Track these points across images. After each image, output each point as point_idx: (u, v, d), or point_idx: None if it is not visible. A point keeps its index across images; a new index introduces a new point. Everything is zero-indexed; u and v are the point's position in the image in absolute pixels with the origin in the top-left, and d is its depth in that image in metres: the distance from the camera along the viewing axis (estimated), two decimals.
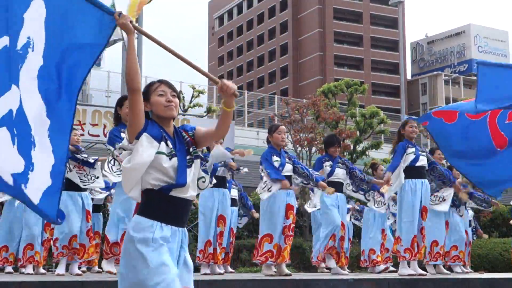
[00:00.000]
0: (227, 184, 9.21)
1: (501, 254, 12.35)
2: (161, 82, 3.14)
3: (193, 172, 3.00)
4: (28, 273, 7.88)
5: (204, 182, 3.09)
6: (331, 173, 7.89)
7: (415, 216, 7.35)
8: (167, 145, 2.96)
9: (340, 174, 7.94)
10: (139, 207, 2.98)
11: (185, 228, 3.05)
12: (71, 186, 7.24)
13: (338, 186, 7.89)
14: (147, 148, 2.90)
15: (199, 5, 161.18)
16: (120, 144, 3.04)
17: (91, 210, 7.55)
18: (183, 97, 21.81)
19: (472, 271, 9.90)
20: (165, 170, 2.91)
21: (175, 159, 2.95)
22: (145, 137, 2.92)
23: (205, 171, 3.11)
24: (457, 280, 6.97)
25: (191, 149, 3.03)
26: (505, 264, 11.82)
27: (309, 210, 8.81)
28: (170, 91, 3.09)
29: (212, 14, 74.31)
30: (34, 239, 7.94)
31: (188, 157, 3.00)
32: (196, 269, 9.16)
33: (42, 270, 8.01)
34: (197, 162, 3.05)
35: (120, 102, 6.31)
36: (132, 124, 2.97)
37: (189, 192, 2.97)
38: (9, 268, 8.38)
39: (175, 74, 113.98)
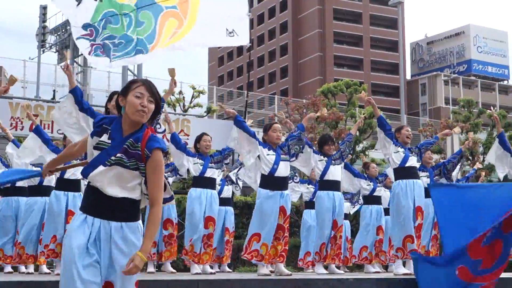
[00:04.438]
0: (220, 184, 9.21)
1: None
2: (143, 83, 3.07)
3: (115, 174, 2.96)
4: (28, 273, 7.88)
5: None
6: (325, 171, 7.89)
7: (406, 216, 7.37)
8: (101, 138, 3.06)
9: (334, 171, 7.94)
10: None
11: (123, 222, 2.97)
12: (60, 185, 7.35)
13: (333, 185, 7.92)
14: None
15: None
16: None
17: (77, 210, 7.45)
18: (183, 97, 21.79)
19: None
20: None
21: (96, 152, 3.03)
22: (90, 138, 3.11)
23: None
24: None
25: (126, 158, 2.98)
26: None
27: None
28: (148, 95, 3.02)
29: None
30: (29, 240, 7.94)
31: (113, 158, 2.97)
32: (187, 269, 9.16)
33: (45, 270, 8.01)
34: (123, 170, 2.98)
35: (110, 97, 6.37)
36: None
37: (105, 187, 2.96)
38: (8, 268, 8.38)
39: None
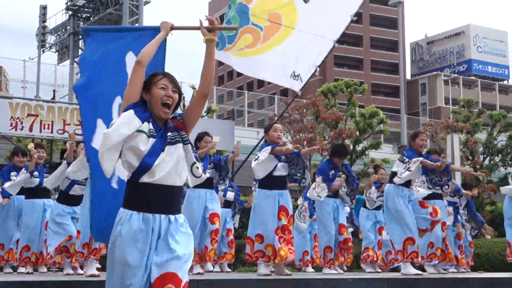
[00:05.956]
0: (223, 190, 9.22)
1: (500, 254, 12.35)
2: (165, 75, 3.13)
3: (172, 157, 2.98)
4: (28, 273, 7.87)
5: (197, 168, 3.08)
6: (331, 181, 8.03)
7: (408, 219, 7.35)
8: (149, 125, 2.98)
9: (338, 180, 8.11)
10: None
11: (176, 215, 2.99)
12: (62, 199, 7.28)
13: (334, 193, 8.09)
14: (130, 121, 2.93)
15: (199, 5, 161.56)
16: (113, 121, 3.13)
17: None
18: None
19: (470, 271, 9.90)
20: (141, 153, 2.92)
21: (152, 140, 2.96)
22: (131, 112, 2.96)
23: (197, 159, 3.12)
24: (457, 279, 6.98)
25: (176, 133, 3.05)
26: (505, 264, 11.82)
27: (312, 197, 8.73)
28: (172, 86, 3.10)
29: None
30: (31, 241, 7.90)
31: (168, 139, 2.99)
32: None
33: (44, 269, 7.98)
34: (183, 147, 3.04)
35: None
36: (126, 96, 3.03)
37: (166, 176, 2.94)
38: (8, 268, 8.37)
39: (175, 74, 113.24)
